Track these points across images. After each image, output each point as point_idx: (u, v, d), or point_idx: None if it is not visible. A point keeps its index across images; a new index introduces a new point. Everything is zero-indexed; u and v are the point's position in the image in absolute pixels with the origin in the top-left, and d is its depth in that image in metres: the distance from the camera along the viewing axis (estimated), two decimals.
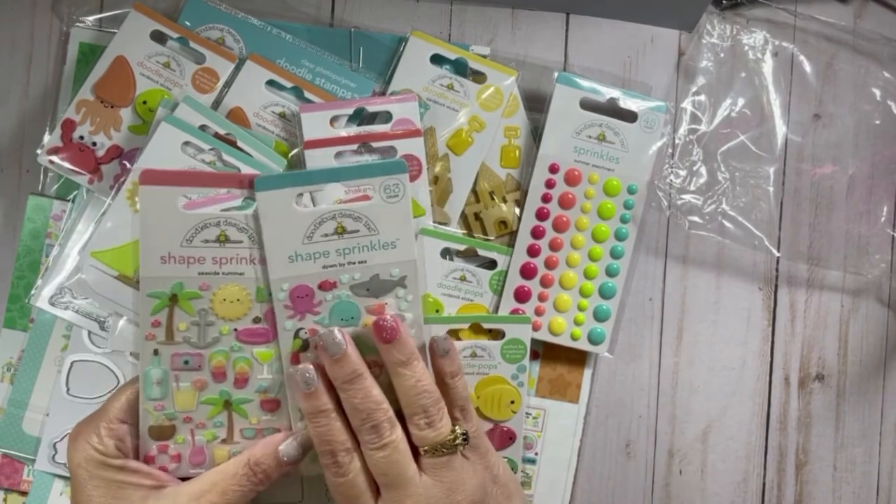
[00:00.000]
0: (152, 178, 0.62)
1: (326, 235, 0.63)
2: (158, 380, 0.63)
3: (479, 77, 0.77)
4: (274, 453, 0.63)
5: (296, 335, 0.64)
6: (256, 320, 0.64)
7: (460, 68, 0.77)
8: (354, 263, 0.63)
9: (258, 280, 0.63)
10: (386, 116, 0.74)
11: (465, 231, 0.77)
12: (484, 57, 0.78)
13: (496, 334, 0.75)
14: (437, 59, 0.77)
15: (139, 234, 0.62)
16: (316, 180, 0.63)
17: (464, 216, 0.77)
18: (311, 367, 0.61)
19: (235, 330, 0.64)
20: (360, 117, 0.74)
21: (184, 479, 0.63)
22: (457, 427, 0.63)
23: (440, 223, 0.76)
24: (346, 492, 0.61)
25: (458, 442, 0.62)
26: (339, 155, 0.73)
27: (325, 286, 0.63)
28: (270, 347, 0.64)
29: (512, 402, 0.74)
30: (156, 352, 0.63)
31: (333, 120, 0.74)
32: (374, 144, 0.73)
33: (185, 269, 0.62)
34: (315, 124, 0.73)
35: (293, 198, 0.62)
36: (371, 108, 0.74)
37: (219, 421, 0.65)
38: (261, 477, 0.62)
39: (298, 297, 0.63)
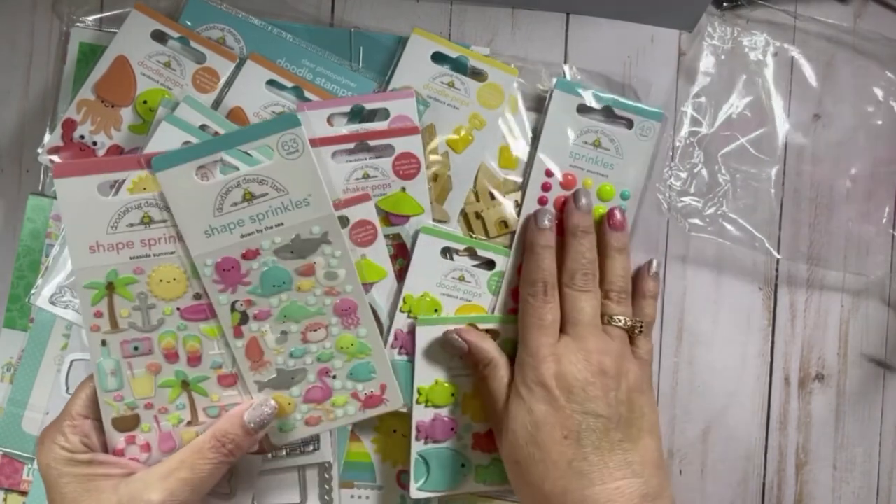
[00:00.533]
0: (66, 170, 0.61)
1: (236, 204, 0.61)
2: (112, 370, 0.63)
3: (480, 75, 0.77)
4: (240, 423, 0.63)
5: (232, 308, 0.63)
6: (197, 296, 0.63)
7: (461, 66, 0.77)
8: (272, 227, 0.62)
9: (189, 257, 0.63)
10: (384, 114, 0.74)
11: (466, 231, 0.77)
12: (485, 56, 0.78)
13: (492, 335, 0.75)
14: (438, 57, 0.77)
15: (64, 227, 0.62)
16: (211, 149, 0.62)
17: (464, 215, 0.77)
18: (553, 209, 0.74)
19: (178, 309, 0.63)
20: (360, 115, 0.74)
21: None
22: (638, 319, 0.73)
23: (439, 221, 0.76)
24: (547, 315, 0.69)
25: (635, 325, 0.71)
26: (336, 154, 0.73)
27: (249, 255, 0.63)
28: (216, 322, 0.64)
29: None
30: (104, 342, 0.63)
31: (330, 118, 0.73)
32: (371, 143, 0.73)
33: (115, 256, 0.62)
34: (313, 123, 0.73)
35: (192, 172, 0.61)
36: (368, 106, 0.74)
37: (181, 403, 0.64)
38: (230, 447, 0.62)
39: (225, 271, 0.63)
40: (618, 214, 0.72)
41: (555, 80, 0.77)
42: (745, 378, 0.81)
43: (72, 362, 0.74)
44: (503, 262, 0.76)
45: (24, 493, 0.75)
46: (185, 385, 0.64)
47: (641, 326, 0.71)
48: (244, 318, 0.64)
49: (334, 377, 0.65)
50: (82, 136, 0.73)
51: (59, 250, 0.73)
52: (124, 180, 0.63)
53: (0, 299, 0.75)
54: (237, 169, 0.71)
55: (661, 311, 0.80)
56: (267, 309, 0.63)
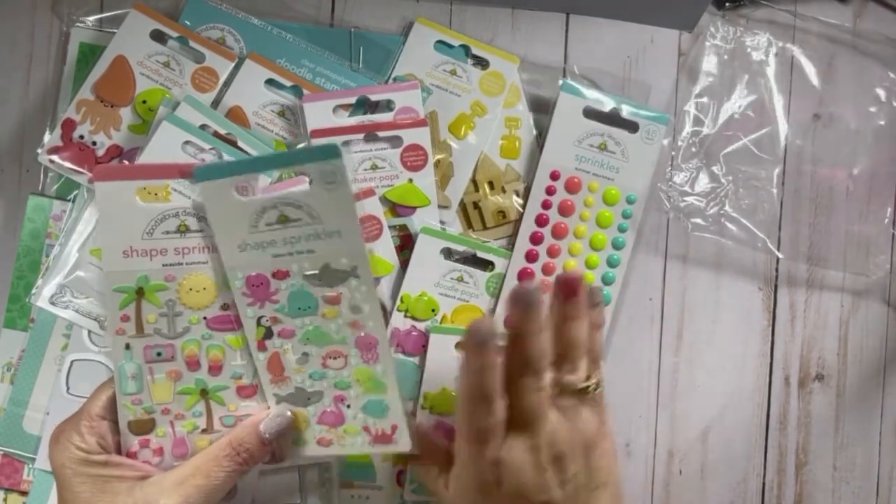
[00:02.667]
0: (106, 174, 0.60)
1: (270, 224, 0.60)
2: (133, 374, 0.62)
3: (481, 63, 0.77)
4: (255, 432, 0.62)
5: (258, 322, 0.63)
6: (224, 307, 0.62)
7: (463, 55, 0.77)
8: (303, 253, 0.61)
9: (221, 268, 0.62)
10: (388, 105, 0.74)
11: (464, 222, 0.77)
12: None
13: None
14: (440, 46, 0.77)
15: (98, 231, 0.61)
16: (253, 168, 0.60)
17: (463, 205, 0.77)
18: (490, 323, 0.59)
19: (205, 318, 0.62)
20: (363, 107, 0.74)
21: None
22: (592, 377, 0.62)
23: (441, 206, 0.76)
24: (490, 429, 0.59)
25: (591, 388, 0.62)
26: (345, 144, 0.73)
27: (279, 275, 0.61)
28: (241, 334, 0.63)
29: None
30: (127, 346, 0.62)
31: (335, 110, 0.73)
32: (380, 134, 0.73)
33: (148, 262, 0.61)
34: (318, 114, 0.73)
35: (232, 186, 0.60)
36: (373, 97, 0.74)
37: (197, 410, 0.63)
38: (244, 457, 0.61)
39: (254, 286, 0.62)
40: (598, 297, 0.64)
41: (561, 82, 0.76)
42: (745, 378, 0.80)
43: (72, 362, 0.73)
44: (502, 264, 0.76)
45: (24, 493, 0.74)
46: (204, 393, 0.63)
47: (597, 384, 0.63)
48: (268, 334, 0.63)
49: (348, 406, 0.64)
50: (82, 136, 0.73)
51: (59, 250, 0.72)
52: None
53: (0, 299, 0.74)
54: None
55: (660, 310, 0.80)
56: (291, 328, 0.63)
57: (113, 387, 0.62)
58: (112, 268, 0.60)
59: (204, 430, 0.64)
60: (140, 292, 0.61)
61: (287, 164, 0.60)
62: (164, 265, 0.61)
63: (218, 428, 0.64)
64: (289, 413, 0.63)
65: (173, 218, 0.60)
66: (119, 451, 0.63)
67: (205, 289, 0.62)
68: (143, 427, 0.63)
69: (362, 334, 0.63)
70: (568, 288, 0.61)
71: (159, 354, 0.62)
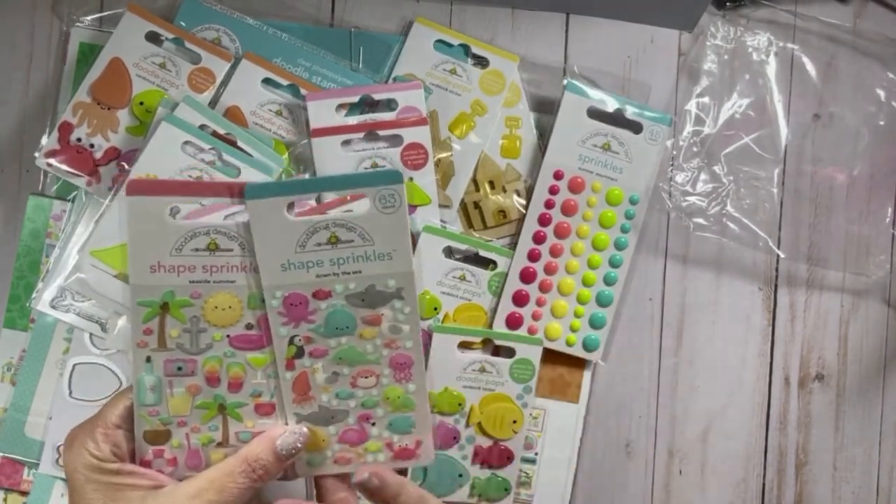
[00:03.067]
0: (139, 187, 0.60)
1: (320, 245, 0.60)
2: (152, 386, 0.61)
3: (481, 62, 0.77)
4: (271, 448, 0.61)
5: (290, 342, 0.62)
6: (249, 327, 0.62)
7: (463, 54, 0.77)
8: (349, 273, 0.61)
9: (250, 288, 0.61)
10: (390, 104, 0.74)
11: (464, 222, 0.77)
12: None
13: (503, 349, 0.75)
14: (440, 45, 0.77)
15: (127, 243, 0.60)
16: (308, 189, 0.61)
17: (463, 205, 0.77)
18: None
19: (228, 336, 0.62)
20: (361, 107, 0.74)
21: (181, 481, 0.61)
22: None
23: (442, 206, 0.75)
24: None
25: None
26: (346, 143, 0.73)
27: (320, 295, 0.61)
28: (265, 353, 0.62)
29: (514, 422, 0.74)
30: (148, 359, 0.61)
31: (338, 108, 0.73)
32: (381, 132, 0.73)
33: (175, 278, 0.60)
34: (321, 112, 0.73)
35: (284, 206, 0.60)
36: (376, 96, 0.74)
37: (214, 425, 0.63)
38: (260, 473, 0.60)
39: (292, 305, 0.61)
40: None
41: (566, 82, 0.76)
42: (745, 378, 0.80)
43: (74, 366, 0.73)
44: (504, 263, 0.75)
45: (24, 494, 0.74)
46: (222, 408, 0.63)
47: None
48: (300, 353, 0.62)
49: (373, 424, 0.64)
50: (79, 139, 0.72)
51: (58, 253, 0.72)
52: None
53: (0, 299, 0.74)
54: (235, 168, 0.70)
55: (661, 311, 0.79)
56: (324, 348, 0.62)
57: (131, 396, 0.62)
58: (138, 281, 0.60)
59: (219, 444, 0.63)
60: (165, 307, 0.61)
61: (346, 187, 0.60)
62: (191, 282, 0.60)
63: (233, 442, 0.63)
64: (304, 429, 0.62)
65: (204, 236, 0.60)
66: (133, 460, 0.62)
67: (230, 307, 0.61)
68: (159, 438, 0.62)
69: (396, 354, 0.63)
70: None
71: (180, 369, 0.61)
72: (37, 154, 0.72)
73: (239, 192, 0.60)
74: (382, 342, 0.62)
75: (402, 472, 0.75)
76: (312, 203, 0.62)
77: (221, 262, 0.61)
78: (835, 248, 0.80)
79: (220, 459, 0.62)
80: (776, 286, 0.80)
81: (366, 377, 0.63)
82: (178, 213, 0.60)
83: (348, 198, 0.61)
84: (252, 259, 0.60)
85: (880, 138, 0.80)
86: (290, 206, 0.61)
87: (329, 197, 0.62)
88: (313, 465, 0.64)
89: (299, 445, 0.61)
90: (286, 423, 0.63)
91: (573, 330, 0.76)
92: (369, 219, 0.60)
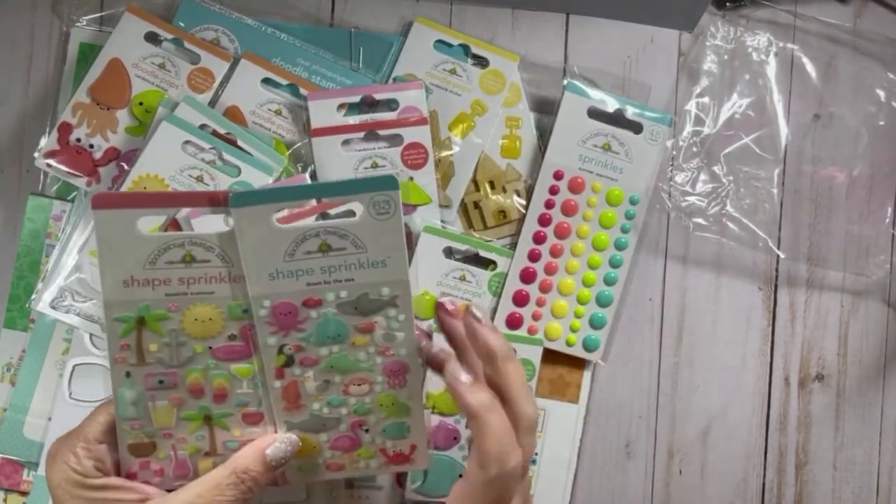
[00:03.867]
0: (105, 201, 0.57)
1: (310, 253, 0.58)
2: (133, 400, 0.59)
3: (481, 62, 0.77)
4: (261, 458, 0.59)
5: (280, 351, 0.60)
6: (232, 337, 0.59)
7: (463, 54, 0.77)
8: (341, 281, 0.59)
9: (231, 298, 0.59)
10: (391, 104, 0.74)
11: (464, 222, 0.77)
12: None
13: None
14: (440, 45, 0.76)
15: (98, 258, 0.58)
16: (297, 196, 0.58)
17: (463, 205, 0.76)
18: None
19: (210, 348, 0.60)
20: (361, 105, 0.74)
21: (169, 491, 0.60)
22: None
23: (442, 206, 0.75)
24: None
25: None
26: (346, 143, 0.72)
27: (310, 303, 0.59)
28: (250, 363, 0.60)
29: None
30: (128, 374, 0.59)
31: (338, 108, 0.73)
32: (381, 132, 0.73)
33: (150, 292, 0.58)
34: (322, 112, 0.72)
35: (272, 214, 0.58)
36: (378, 96, 0.73)
37: (200, 435, 0.61)
38: (249, 485, 0.58)
39: (281, 314, 0.59)
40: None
41: (566, 82, 0.76)
42: (745, 378, 0.79)
43: (74, 367, 0.72)
44: (505, 264, 0.75)
45: (24, 494, 0.73)
46: (208, 419, 0.61)
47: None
48: (289, 362, 0.61)
49: (366, 430, 0.63)
50: (79, 140, 0.72)
51: (58, 253, 0.72)
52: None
53: (0, 299, 0.74)
54: (236, 167, 0.70)
55: (661, 311, 0.79)
56: (315, 357, 0.61)
57: (110, 409, 0.60)
58: (112, 297, 0.58)
59: (207, 454, 0.61)
60: (141, 322, 0.58)
61: (338, 193, 0.58)
62: (167, 295, 0.58)
63: (221, 451, 0.61)
64: (294, 437, 0.61)
65: (178, 248, 0.58)
66: (118, 471, 0.61)
67: (211, 319, 0.59)
68: (144, 450, 0.60)
69: (390, 361, 0.61)
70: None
71: (161, 382, 0.59)
72: (36, 154, 0.72)
73: (208, 201, 0.57)
74: (376, 350, 0.61)
75: (401, 475, 0.75)
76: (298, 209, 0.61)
77: (199, 273, 0.58)
78: (835, 248, 0.80)
79: (209, 468, 0.60)
80: (776, 286, 0.80)
81: (358, 385, 0.61)
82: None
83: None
84: (231, 269, 0.58)
85: (880, 138, 0.80)
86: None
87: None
88: (305, 472, 0.63)
89: (289, 454, 0.60)
90: (275, 431, 0.62)
91: (573, 330, 0.75)
92: (362, 226, 0.58)
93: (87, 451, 0.58)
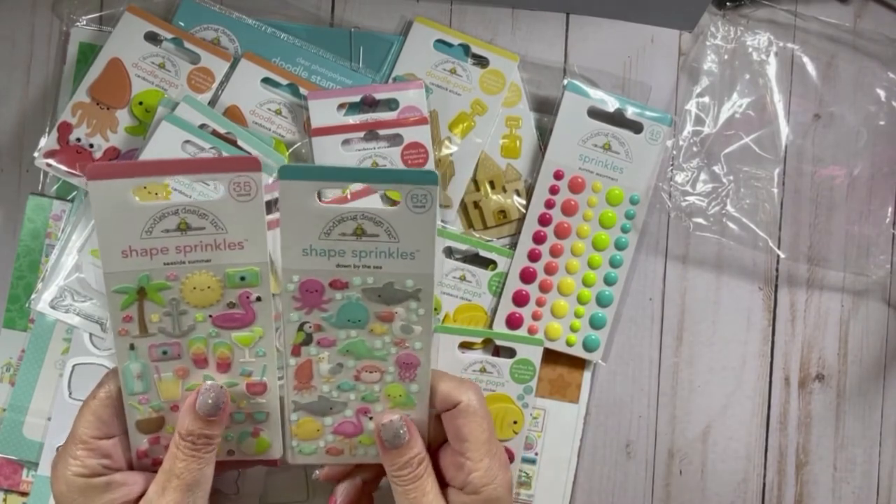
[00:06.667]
0: (100, 172, 0.56)
1: (344, 235, 0.58)
2: (139, 374, 0.59)
3: (481, 62, 0.76)
4: (192, 413, 0.58)
5: (300, 328, 0.61)
6: (231, 305, 0.60)
7: (463, 53, 0.76)
8: (369, 268, 0.59)
9: (227, 265, 0.59)
10: (391, 104, 0.73)
11: (465, 222, 0.76)
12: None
13: (503, 350, 0.74)
14: (440, 45, 0.76)
15: (96, 230, 0.58)
16: (342, 177, 0.59)
17: (463, 204, 0.76)
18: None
19: (210, 316, 0.60)
20: (361, 105, 0.74)
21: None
22: None
23: (443, 206, 0.75)
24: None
25: None
26: (346, 143, 0.72)
27: (336, 285, 0.60)
28: (252, 331, 0.60)
29: (514, 423, 0.73)
30: (132, 346, 0.59)
31: (338, 107, 0.73)
32: (381, 132, 0.73)
33: (148, 262, 0.58)
34: (322, 111, 0.72)
35: (315, 191, 0.58)
36: (378, 96, 0.73)
37: None
38: (198, 442, 0.58)
39: (308, 291, 0.60)
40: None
41: (566, 82, 0.75)
42: (745, 378, 0.79)
43: (74, 366, 0.72)
44: (504, 263, 0.75)
45: (24, 494, 0.73)
46: None
47: None
48: (307, 340, 0.61)
49: (370, 419, 0.63)
50: (79, 139, 0.71)
51: (58, 253, 0.71)
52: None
53: (0, 299, 0.73)
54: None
55: (661, 311, 0.79)
56: (332, 339, 0.61)
57: (96, 403, 0.59)
58: (111, 269, 0.58)
59: None
60: (142, 292, 0.58)
61: (380, 181, 0.59)
62: (165, 264, 0.58)
63: (228, 423, 0.62)
64: (216, 383, 0.60)
65: (173, 216, 0.57)
66: (131, 465, 0.61)
67: (209, 287, 0.59)
68: (152, 426, 0.61)
69: (404, 353, 0.62)
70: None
71: (165, 353, 0.60)
72: (36, 154, 0.71)
73: (198, 168, 0.57)
74: (392, 340, 0.61)
75: None
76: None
77: (194, 241, 0.58)
78: (835, 248, 0.79)
79: None
80: (776, 286, 0.79)
81: (370, 372, 0.62)
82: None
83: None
84: (226, 236, 0.58)
85: (880, 138, 0.79)
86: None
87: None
88: (305, 454, 0.63)
89: (218, 400, 0.58)
90: (279, 403, 0.62)
91: (573, 330, 0.75)
92: (399, 216, 0.58)
93: (88, 452, 0.58)
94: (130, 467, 0.60)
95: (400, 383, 0.62)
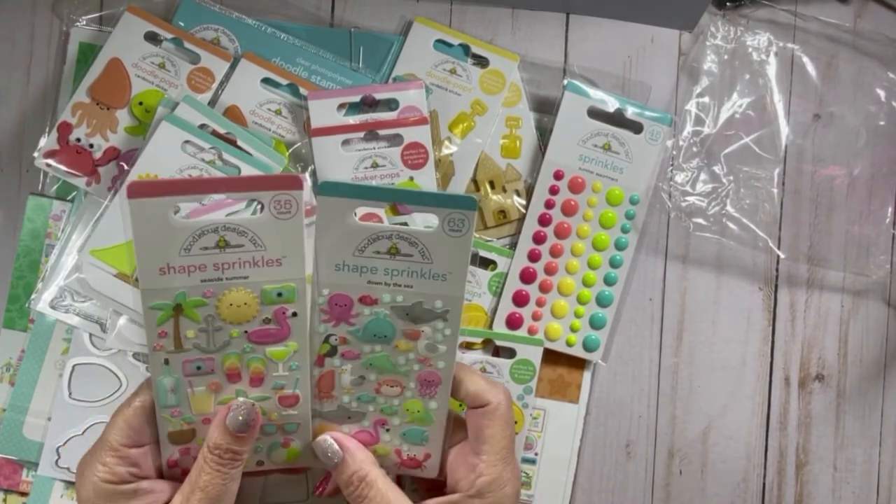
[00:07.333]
0: (140, 190, 0.57)
1: (379, 253, 0.59)
2: (172, 387, 0.59)
3: (481, 62, 0.76)
4: (223, 428, 0.58)
5: (326, 340, 0.61)
6: (266, 321, 0.60)
7: (463, 53, 0.76)
8: (400, 286, 0.60)
9: (264, 282, 0.59)
10: (391, 104, 0.73)
11: None
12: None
13: (503, 350, 0.74)
14: (439, 45, 0.76)
15: (134, 248, 0.58)
16: (381, 197, 0.59)
17: None
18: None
19: (246, 332, 0.60)
20: (361, 105, 0.74)
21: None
22: None
23: None
24: None
25: None
26: (346, 143, 0.72)
27: (366, 301, 0.60)
28: (286, 346, 0.60)
29: (514, 423, 0.72)
30: (166, 361, 0.59)
31: (338, 107, 0.73)
32: (381, 132, 0.73)
33: (186, 279, 0.58)
34: (322, 111, 0.72)
35: (353, 209, 0.58)
36: (378, 96, 0.73)
37: None
38: (226, 457, 0.58)
39: (336, 305, 0.60)
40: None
41: (566, 82, 0.75)
42: (745, 378, 0.79)
43: (74, 366, 0.72)
44: (505, 264, 0.75)
45: (23, 494, 0.72)
46: None
47: None
48: (332, 352, 0.61)
49: (387, 430, 0.63)
50: (78, 139, 0.71)
51: (58, 253, 0.71)
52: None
53: (0, 299, 0.73)
54: (236, 167, 0.70)
55: (661, 311, 0.78)
56: (357, 353, 0.61)
57: (129, 412, 0.59)
58: (148, 285, 0.58)
59: None
60: (178, 309, 0.58)
61: (419, 203, 0.59)
62: (202, 281, 0.58)
63: (258, 435, 0.61)
64: (248, 400, 0.60)
65: (212, 234, 0.57)
66: (161, 473, 0.61)
67: (246, 304, 0.59)
68: (183, 437, 0.61)
69: (426, 371, 0.62)
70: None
71: (199, 368, 0.60)
72: (36, 154, 0.71)
73: (240, 186, 0.58)
74: (416, 357, 0.61)
75: (400, 477, 0.74)
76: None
77: (233, 258, 0.58)
78: (835, 248, 0.79)
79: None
80: (776, 286, 0.79)
81: (391, 386, 0.62)
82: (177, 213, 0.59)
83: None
84: (264, 253, 0.58)
85: (880, 138, 0.79)
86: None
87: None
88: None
89: (249, 417, 0.59)
90: (310, 413, 0.62)
91: (573, 330, 0.75)
92: (434, 238, 0.59)
93: (117, 459, 0.58)
94: (157, 476, 0.61)
95: (419, 399, 0.62)
